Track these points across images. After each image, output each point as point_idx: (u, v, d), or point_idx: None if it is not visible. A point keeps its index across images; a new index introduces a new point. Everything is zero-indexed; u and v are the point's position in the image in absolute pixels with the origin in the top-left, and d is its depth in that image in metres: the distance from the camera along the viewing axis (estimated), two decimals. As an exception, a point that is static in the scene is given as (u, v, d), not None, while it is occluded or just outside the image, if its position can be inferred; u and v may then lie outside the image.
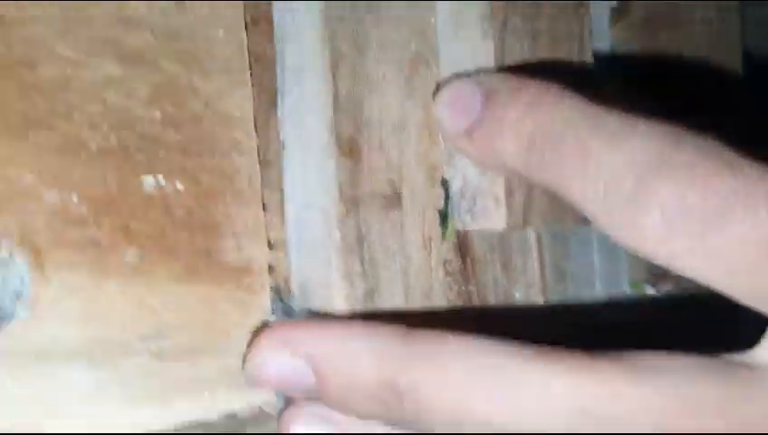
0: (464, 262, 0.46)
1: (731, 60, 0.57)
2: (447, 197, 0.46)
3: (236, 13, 0.45)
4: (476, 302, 0.46)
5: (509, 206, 0.44)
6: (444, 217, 0.46)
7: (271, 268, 0.45)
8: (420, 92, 0.46)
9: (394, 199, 0.45)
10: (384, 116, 0.45)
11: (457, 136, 0.42)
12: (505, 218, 0.44)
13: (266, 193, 0.45)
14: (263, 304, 0.45)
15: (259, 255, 0.45)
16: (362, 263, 0.44)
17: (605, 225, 0.36)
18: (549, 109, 0.38)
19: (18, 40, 0.42)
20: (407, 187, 0.45)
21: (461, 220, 0.46)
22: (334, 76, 0.44)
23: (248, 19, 0.46)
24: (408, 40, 0.45)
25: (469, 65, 0.45)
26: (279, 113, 0.46)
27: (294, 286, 0.45)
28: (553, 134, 0.37)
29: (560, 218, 0.46)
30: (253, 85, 0.45)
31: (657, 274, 0.52)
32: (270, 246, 0.45)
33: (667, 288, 0.52)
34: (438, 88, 0.45)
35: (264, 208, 0.45)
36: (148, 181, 0.44)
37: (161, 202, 0.44)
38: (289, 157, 0.47)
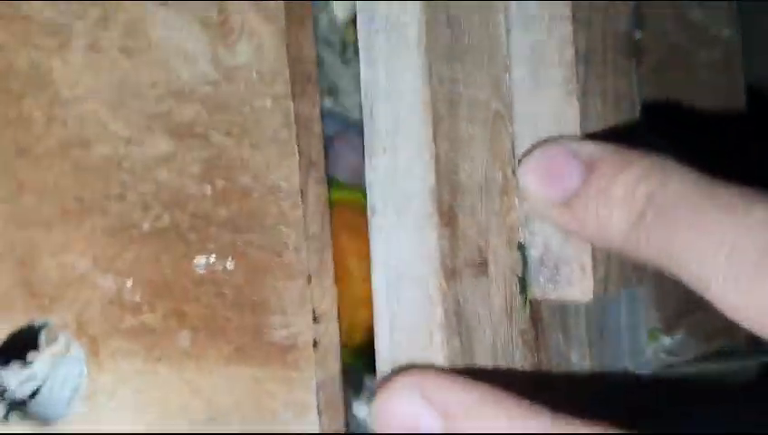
0: (536, 330, 0.44)
1: (735, 99, 0.57)
2: (525, 263, 0.44)
3: (283, 81, 0.42)
4: (544, 368, 0.44)
5: (596, 275, 0.42)
6: (523, 284, 0.43)
7: (315, 343, 0.42)
8: (498, 151, 0.43)
9: (483, 266, 0.42)
10: (473, 179, 0.42)
11: (548, 205, 0.41)
12: (592, 288, 0.42)
13: (310, 263, 0.42)
14: (307, 381, 0.42)
15: (305, 329, 0.42)
16: (461, 337, 0.41)
17: (725, 299, 0.35)
18: (660, 182, 0.37)
19: (73, 118, 0.44)
20: (491, 252, 0.42)
21: (540, 289, 0.44)
22: (435, 139, 0.41)
23: (296, 88, 0.42)
24: (489, 97, 0.43)
25: (549, 125, 0.43)
26: (368, 178, 0.43)
27: (385, 364, 0.42)
28: (666, 208, 0.37)
29: (629, 282, 0.45)
30: (299, 154, 0.42)
31: (670, 322, 0.50)
32: (315, 319, 0.42)
33: (679, 335, 0.50)
34: (524, 152, 0.43)
35: (308, 280, 0.42)
36: (201, 261, 0.43)
37: (213, 282, 0.43)
38: (379, 224, 0.43)
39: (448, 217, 0.41)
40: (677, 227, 0.36)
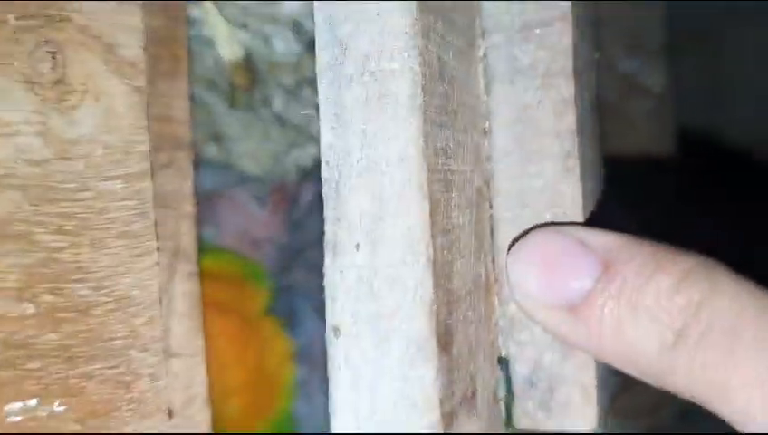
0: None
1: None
2: (509, 383, 0.36)
3: (140, 155, 0.31)
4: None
5: (600, 400, 0.34)
6: (508, 410, 0.35)
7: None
8: (481, 239, 0.35)
9: (473, 399, 0.33)
10: (464, 281, 0.33)
11: (546, 309, 0.33)
12: (596, 417, 0.34)
13: (173, 394, 0.31)
14: None
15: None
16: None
17: None
18: (707, 291, 0.31)
19: None
20: (480, 376, 0.34)
21: (529, 416, 0.35)
22: (433, 234, 0.31)
23: (159, 160, 0.31)
24: (473, 170, 0.35)
25: (541, 208, 0.36)
26: (329, 283, 0.31)
27: None
28: (717, 326, 0.31)
29: (633, 414, 0.39)
30: (158, 250, 0.31)
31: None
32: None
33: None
34: (514, 239, 0.36)
35: (169, 415, 0.30)
36: (14, 407, 0.31)
37: (31, 430, 0.31)
38: (344, 351, 0.31)
39: (445, 340, 0.31)
40: (734, 352, 0.30)
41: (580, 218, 0.35)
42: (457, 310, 0.32)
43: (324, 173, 0.31)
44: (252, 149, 0.49)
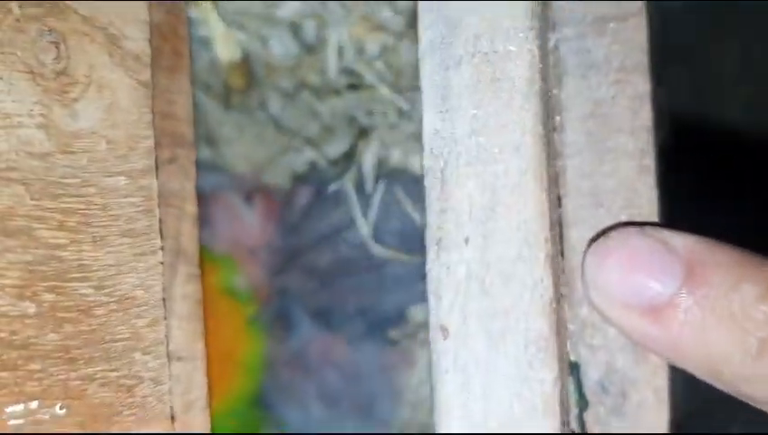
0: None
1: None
2: (580, 385, 0.34)
3: (145, 150, 0.30)
4: None
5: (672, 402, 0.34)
6: (581, 416, 0.34)
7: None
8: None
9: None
10: (568, 278, 0.34)
11: (627, 309, 0.32)
12: (667, 420, 0.33)
13: (174, 399, 0.30)
14: None
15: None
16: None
17: None
18: None
19: None
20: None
21: (601, 422, 0.34)
22: (551, 227, 0.31)
23: (162, 157, 0.30)
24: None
25: (616, 208, 0.34)
26: (433, 279, 0.30)
27: None
28: None
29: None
30: (162, 249, 0.30)
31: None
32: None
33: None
34: (594, 237, 0.34)
35: (172, 419, 0.29)
36: (16, 409, 0.30)
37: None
38: (449, 350, 0.30)
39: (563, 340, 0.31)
40: None
41: (657, 219, 0.34)
42: (570, 310, 0.32)
43: (427, 161, 0.30)
44: (245, 151, 0.49)
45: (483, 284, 0.30)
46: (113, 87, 0.31)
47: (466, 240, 0.30)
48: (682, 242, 0.32)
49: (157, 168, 0.31)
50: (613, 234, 0.33)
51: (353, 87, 0.48)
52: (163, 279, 0.31)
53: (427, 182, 0.30)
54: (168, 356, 0.31)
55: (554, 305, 0.29)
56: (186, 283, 0.33)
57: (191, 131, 0.34)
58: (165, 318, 0.31)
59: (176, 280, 0.32)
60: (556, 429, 0.30)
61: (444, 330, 0.30)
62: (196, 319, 0.34)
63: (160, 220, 0.31)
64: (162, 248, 0.31)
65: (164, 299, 0.31)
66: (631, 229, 0.33)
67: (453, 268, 0.30)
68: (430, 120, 0.30)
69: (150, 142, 0.31)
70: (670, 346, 0.32)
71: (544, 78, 0.30)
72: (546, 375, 0.29)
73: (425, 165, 0.30)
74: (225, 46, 0.45)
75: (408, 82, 0.45)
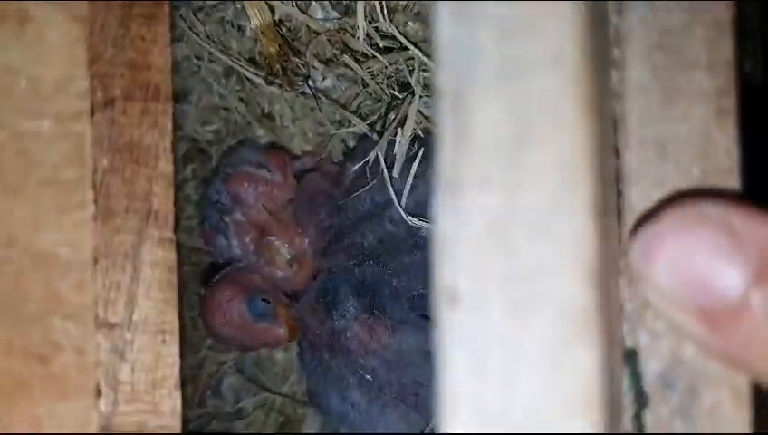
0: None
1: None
2: (638, 378, 0.29)
3: (76, 91, 0.27)
4: None
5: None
6: (638, 416, 0.29)
7: None
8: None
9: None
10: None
11: (684, 309, 0.28)
12: (748, 425, 0.29)
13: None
14: None
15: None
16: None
17: None
18: None
19: None
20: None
21: (664, 425, 0.29)
22: (592, 160, 0.26)
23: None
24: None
25: (686, 161, 0.29)
26: (441, 228, 0.25)
27: None
28: None
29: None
30: (96, 203, 0.28)
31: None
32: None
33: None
34: (644, 214, 0.29)
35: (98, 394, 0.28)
36: None
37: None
38: (462, 321, 0.24)
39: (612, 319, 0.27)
40: None
41: (737, 176, 0.29)
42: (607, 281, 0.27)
43: (442, 80, 0.25)
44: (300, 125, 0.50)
45: (505, 238, 0.24)
46: (39, 19, 0.29)
47: (486, 182, 0.24)
48: (756, 230, 0.28)
49: (93, 110, 0.28)
50: (666, 216, 0.28)
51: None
52: (96, 237, 0.28)
53: (439, 107, 0.24)
54: (99, 323, 0.28)
55: (599, 271, 0.24)
56: (156, 248, 0.31)
57: (168, 85, 0.32)
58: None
59: (144, 244, 0.31)
60: (599, 429, 0.24)
61: (451, 295, 0.24)
62: (169, 288, 0.31)
63: (95, 171, 0.29)
64: (95, 202, 0.29)
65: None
66: (690, 210, 0.29)
67: (467, 218, 0.24)
68: (445, 27, 0.24)
69: (84, 84, 0.29)
70: (737, 352, 0.29)
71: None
72: (585, 359, 0.23)
73: (437, 85, 0.24)
74: (257, 14, 0.45)
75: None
